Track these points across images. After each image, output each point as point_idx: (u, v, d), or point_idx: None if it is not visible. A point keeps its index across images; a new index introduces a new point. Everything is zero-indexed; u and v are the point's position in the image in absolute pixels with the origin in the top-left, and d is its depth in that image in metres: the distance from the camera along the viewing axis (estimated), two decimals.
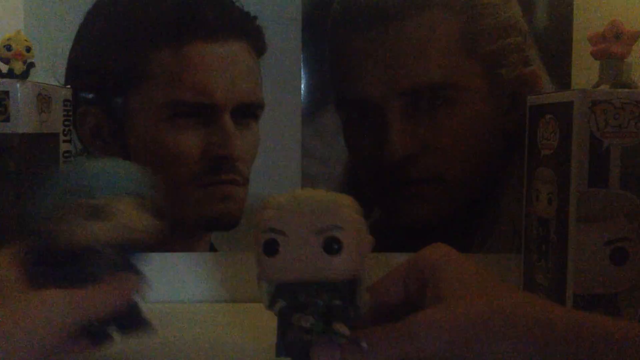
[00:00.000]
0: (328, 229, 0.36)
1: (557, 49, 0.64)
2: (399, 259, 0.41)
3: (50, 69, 0.63)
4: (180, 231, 0.65)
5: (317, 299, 0.36)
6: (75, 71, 0.63)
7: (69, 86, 0.62)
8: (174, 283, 0.64)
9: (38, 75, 0.61)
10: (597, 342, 0.32)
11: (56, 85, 0.60)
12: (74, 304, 0.35)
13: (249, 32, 0.63)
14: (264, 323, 0.56)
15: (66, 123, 0.60)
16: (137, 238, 0.38)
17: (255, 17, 0.63)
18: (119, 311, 0.38)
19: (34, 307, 0.34)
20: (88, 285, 0.36)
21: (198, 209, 0.64)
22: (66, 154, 0.60)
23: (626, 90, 0.52)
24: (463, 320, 0.34)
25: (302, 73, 0.64)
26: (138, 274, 0.39)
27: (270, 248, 0.36)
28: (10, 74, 0.54)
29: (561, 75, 0.64)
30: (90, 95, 0.64)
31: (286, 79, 0.64)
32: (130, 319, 0.39)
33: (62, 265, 0.37)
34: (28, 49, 0.55)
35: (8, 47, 0.54)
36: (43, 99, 0.55)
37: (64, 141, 0.60)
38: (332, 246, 0.35)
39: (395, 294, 0.40)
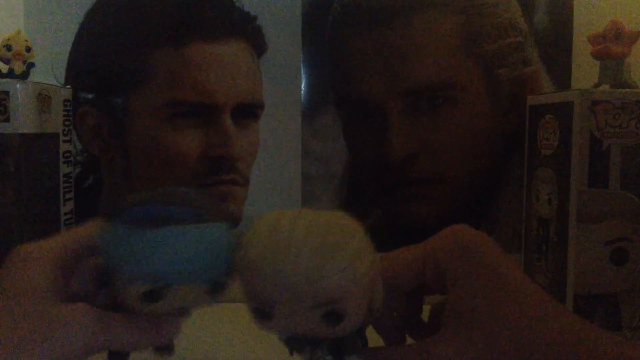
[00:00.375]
0: (325, 304, 0.29)
1: (557, 49, 0.64)
2: None
3: (50, 69, 0.63)
4: None
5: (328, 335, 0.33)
6: (75, 71, 0.63)
7: (69, 86, 0.62)
8: None
9: (38, 75, 0.61)
10: None
11: (56, 85, 0.60)
12: (103, 325, 0.33)
13: (249, 32, 0.63)
14: None
15: (66, 123, 0.60)
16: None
17: (255, 17, 0.63)
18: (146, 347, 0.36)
19: (60, 320, 0.32)
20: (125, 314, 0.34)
21: None
22: (66, 154, 0.60)
23: (626, 90, 0.52)
24: (484, 353, 0.31)
25: (302, 73, 0.64)
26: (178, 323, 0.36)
27: (261, 316, 0.31)
28: (10, 74, 0.54)
29: (561, 75, 0.64)
30: (90, 95, 0.64)
31: (286, 79, 0.64)
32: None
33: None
34: (28, 49, 0.55)
35: (8, 47, 0.54)
36: (43, 99, 0.55)
37: (64, 141, 0.60)
38: (332, 319, 0.30)
39: (410, 281, 0.36)
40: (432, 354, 0.32)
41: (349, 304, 0.30)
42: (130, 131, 0.63)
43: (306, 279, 0.29)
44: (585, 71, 0.62)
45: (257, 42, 0.64)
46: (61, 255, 0.35)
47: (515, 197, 0.64)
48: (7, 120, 0.51)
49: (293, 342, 0.34)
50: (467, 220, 0.63)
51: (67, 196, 0.61)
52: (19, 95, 0.51)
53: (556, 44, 0.64)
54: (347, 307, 0.30)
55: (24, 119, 0.51)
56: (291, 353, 0.34)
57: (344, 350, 0.34)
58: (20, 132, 0.51)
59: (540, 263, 0.57)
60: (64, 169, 0.60)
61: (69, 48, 0.63)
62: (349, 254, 0.30)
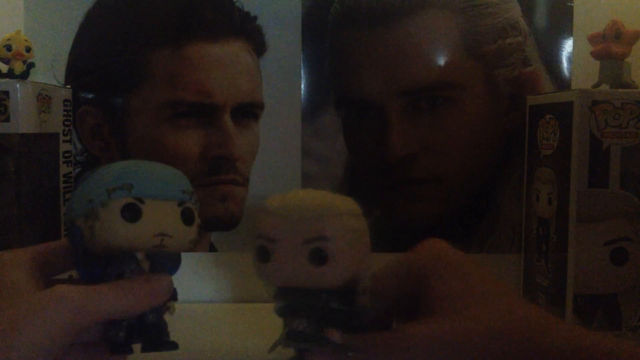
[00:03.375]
0: (314, 240, 0.35)
1: (557, 49, 0.64)
2: None
3: (50, 69, 0.63)
4: None
5: (314, 301, 0.36)
6: (75, 71, 0.63)
7: (69, 86, 0.62)
8: (174, 283, 0.64)
9: (38, 75, 0.61)
10: None
11: (56, 85, 0.60)
12: (88, 299, 0.33)
13: (249, 32, 0.63)
14: (263, 323, 0.57)
15: (66, 123, 0.60)
16: (174, 246, 0.36)
17: (255, 17, 0.63)
18: (143, 316, 0.36)
19: (42, 305, 0.32)
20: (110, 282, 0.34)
21: None
22: (66, 154, 0.60)
23: (626, 90, 0.52)
24: (453, 337, 0.33)
25: (302, 73, 0.64)
26: (169, 281, 0.37)
27: (262, 255, 0.36)
28: (10, 74, 0.54)
29: (561, 75, 0.64)
30: (90, 95, 0.64)
31: (286, 79, 0.64)
32: (157, 339, 0.37)
33: (95, 265, 0.35)
34: (28, 49, 0.55)
35: (8, 47, 0.54)
36: (43, 99, 0.55)
37: (64, 141, 0.60)
38: (317, 258, 0.35)
39: (389, 293, 0.39)
40: (405, 341, 0.34)
41: (334, 248, 0.35)
42: (130, 131, 0.63)
43: (302, 218, 0.35)
44: (585, 71, 0.62)
45: (257, 42, 0.64)
46: (34, 256, 0.36)
47: (515, 197, 0.64)
48: (7, 120, 0.51)
49: (284, 312, 0.37)
50: (467, 220, 0.64)
51: (67, 196, 0.61)
52: (19, 95, 0.51)
53: (556, 44, 0.64)
54: (332, 250, 0.35)
55: (24, 119, 0.51)
56: (285, 324, 0.37)
57: (330, 320, 0.36)
58: (20, 132, 0.51)
59: (540, 263, 0.57)
60: (64, 169, 0.60)
61: (69, 48, 0.63)
62: (340, 212, 0.36)
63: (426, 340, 0.34)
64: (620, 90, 0.52)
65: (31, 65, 0.56)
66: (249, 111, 0.64)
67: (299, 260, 0.35)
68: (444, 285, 0.35)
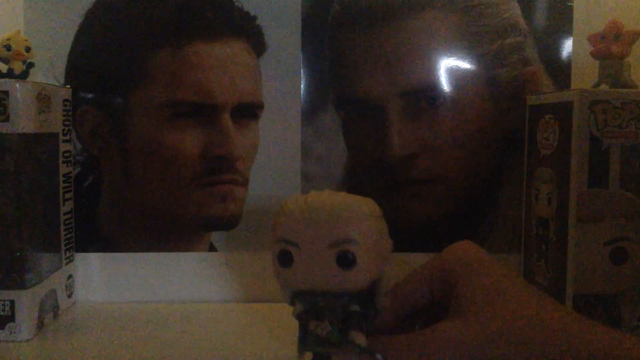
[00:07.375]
0: (341, 243, 0.35)
1: (557, 49, 0.64)
2: (399, 258, 0.40)
3: (50, 69, 0.63)
4: (180, 231, 0.65)
5: (335, 304, 0.36)
6: (75, 71, 0.63)
7: (69, 86, 0.62)
8: (174, 283, 0.64)
9: (38, 75, 0.61)
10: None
11: (56, 85, 0.60)
12: None
13: (249, 32, 0.63)
14: (263, 323, 0.57)
15: (66, 123, 0.60)
16: None
17: (255, 17, 0.63)
18: None
19: None
20: None
21: (198, 209, 0.64)
22: (66, 154, 0.60)
23: (626, 90, 0.52)
24: (479, 338, 0.34)
25: (302, 73, 0.64)
26: None
27: (284, 260, 0.36)
28: (10, 74, 0.54)
29: (561, 75, 0.64)
30: (90, 95, 0.64)
31: (286, 79, 0.64)
32: None
33: None
34: (28, 49, 0.55)
35: (8, 47, 0.54)
36: (43, 99, 0.55)
37: (64, 141, 0.60)
38: (345, 260, 0.34)
39: (421, 296, 0.40)
40: (431, 342, 0.35)
41: (360, 252, 0.35)
42: (130, 131, 0.63)
43: (327, 220, 0.35)
44: (585, 71, 0.62)
45: (257, 42, 0.64)
46: None
47: (515, 197, 0.64)
48: (6, 120, 0.51)
49: (304, 317, 0.36)
50: (467, 220, 0.64)
51: (67, 196, 0.61)
52: (19, 95, 0.51)
53: (556, 44, 0.64)
54: (358, 254, 0.34)
55: (23, 119, 0.51)
56: (303, 329, 0.37)
57: (352, 323, 0.36)
58: (19, 131, 0.51)
59: (540, 263, 0.57)
60: (64, 168, 0.60)
61: (69, 48, 0.63)
62: (364, 213, 0.36)
63: (453, 341, 0.34)
64: (620, 90, 0.52)
65: (31, 65, 0.56)
66: (249, 111, 0.64)
67: (325, 264, 0.35)
68: (471, 286, 0.37)
